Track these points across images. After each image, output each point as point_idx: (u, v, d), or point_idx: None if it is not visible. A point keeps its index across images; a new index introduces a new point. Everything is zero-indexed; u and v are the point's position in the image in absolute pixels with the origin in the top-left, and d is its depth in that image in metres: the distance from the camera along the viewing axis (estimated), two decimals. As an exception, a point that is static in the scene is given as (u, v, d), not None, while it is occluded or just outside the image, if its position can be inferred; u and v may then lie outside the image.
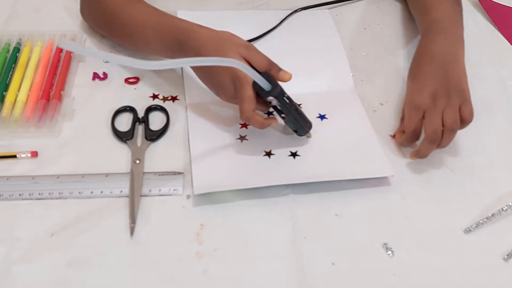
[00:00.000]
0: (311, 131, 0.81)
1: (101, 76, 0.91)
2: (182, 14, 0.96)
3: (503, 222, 0.75)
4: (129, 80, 0.90)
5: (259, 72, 0.73)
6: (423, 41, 0.87)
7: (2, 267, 0.70)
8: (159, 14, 0.86)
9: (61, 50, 0.93)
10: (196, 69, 0.83)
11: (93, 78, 0.91)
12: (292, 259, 0.71)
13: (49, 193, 0.76)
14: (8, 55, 0.92)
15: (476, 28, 1.02)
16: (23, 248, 0.71)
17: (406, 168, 0.80)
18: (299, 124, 0.79)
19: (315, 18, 1.02)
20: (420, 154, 0.79)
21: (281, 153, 0.80)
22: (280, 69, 0.77)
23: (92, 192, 0.76)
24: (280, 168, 0.79)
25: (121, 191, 0.76)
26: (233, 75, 0.76)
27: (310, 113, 0.81)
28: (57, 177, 0.78)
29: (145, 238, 0.72)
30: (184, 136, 0.83)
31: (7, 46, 0.93)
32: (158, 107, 0.86)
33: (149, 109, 0.86)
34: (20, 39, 0.94)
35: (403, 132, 0.81)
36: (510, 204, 0.75)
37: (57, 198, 0.76)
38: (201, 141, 0.82)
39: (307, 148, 0.81)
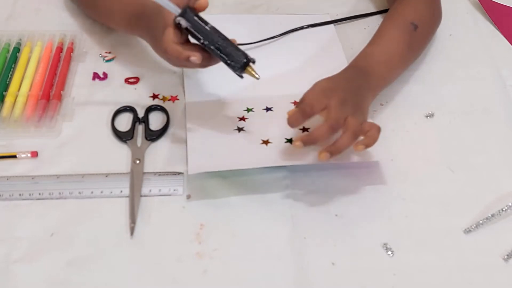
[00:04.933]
0: (254, 68, 0.74)
1: (101, 76, 0.91)
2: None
3: (503, 222, 0.75)
4: (129, 80, 0.90)
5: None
6: (345, 71, 0.82)
7: (2, 267, 0.70)
8: None
9: (61, 50, 0.93)
10: (147, 41, 0.82)
11: (93, 78, 0.91)
12: (292, 259, 0.71)
13: (49, 193, 0.76)
14: (8, 55, 0.92)
15: (476, 28, 1.02)
16: (23, 248, 0.71)
17: (406, 168, 0.80)
18: (225, 51, 0.72)
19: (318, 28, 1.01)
20: (310, 137, 0.73)
21: (278, 141, 0.80)
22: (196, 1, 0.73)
23: (92, 192, 0.76)
24: (276, 152, 0.79)
25: (121, 191, 0.76)
26: (162, 21, 0.74)
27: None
28: (57, 177, 0.78)
29: (145, 238, 0.72)
30: (184, 136, 0.83)
31: (7, 46, 0.93)
32: (158, 107, 0.86)
33: (149, 109, 0.86)
34: (20, 39, 0.94)
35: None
36: (510, 204, 0.75)
37: (57, 198, 0.76)
38: (199, 129, 0.82)
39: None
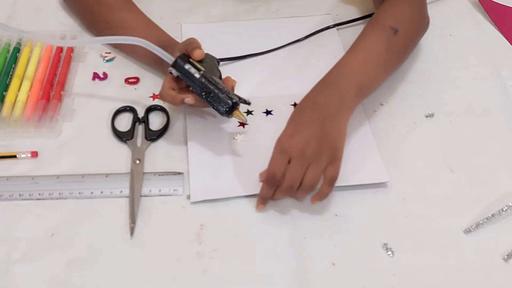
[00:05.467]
0: (251, 127, 0.78)
1: (101, 76, 0.91)
2: (187, 27, 0.97)
3: (503, 222, 0.75)
4: (129, 80, 0.90)
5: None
6: (318, 84, 0.80)
7: (2, 267, 0.70)
8: (148, 23, 0.90)
9: (61, 50, 0.93)
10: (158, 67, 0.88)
11: (93, 78, 0.91)
12: (292, 259, 0.71)
13: (49, 193, 0.76)
14: (8, 55, 0.92)
15: (476, 28, 1.01)
16: (23, 248, 0.71)
17: (406, 168, 0.80)
18: (211, 97, 0.76)
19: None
20: (273, 198, 0.75)
21: None
22: (194, 47, 0.78)
23: (92, 192, 0.76)
24: None
25: (121, 191, 0.76)
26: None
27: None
28: (57, 177, 0.78)
29: (145, 238, 0.72)
30: (184, 136, 0.83)
31: (7, 46, 0.93)
32: (158, 107, 0.86)
33: (149, 109, 0.86)
34: (20, 39, 0.94)
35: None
36: (510, 204, 0.75)
37: (57, 198, 0.76)
38: (199, 146, 0.81)
39: None
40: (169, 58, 0.78)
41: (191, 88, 0.78)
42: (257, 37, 0.97)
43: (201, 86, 0.76)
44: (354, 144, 0.82)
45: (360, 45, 0.84)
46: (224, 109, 0.76)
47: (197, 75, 0.76)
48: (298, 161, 0.73)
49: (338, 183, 0.74)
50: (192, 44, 0.79)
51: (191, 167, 0.79)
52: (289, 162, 0.73)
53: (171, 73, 0.78)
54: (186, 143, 0.82)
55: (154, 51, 0.78)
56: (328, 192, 0.74)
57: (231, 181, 0.78)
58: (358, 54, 0.83)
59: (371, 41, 0.85)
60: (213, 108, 0.77)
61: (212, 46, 0.82)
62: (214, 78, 0.77)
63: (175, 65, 0.77)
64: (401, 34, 0.86)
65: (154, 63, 0.88)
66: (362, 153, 0.81)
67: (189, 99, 0.77)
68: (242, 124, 0.84)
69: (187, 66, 0.77)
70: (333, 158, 0.73)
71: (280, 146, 0.74)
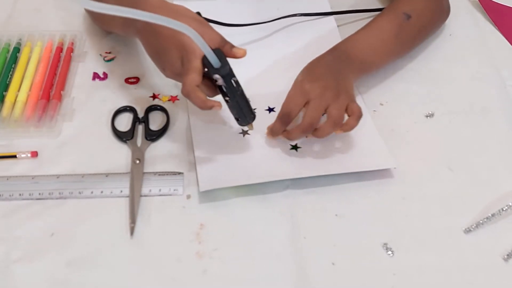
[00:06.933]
0: (254, 124, 0.78)
1: (101, 76, 0.91)
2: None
3: (503, 222, 0.75)
4: (129, 80, 0.90)
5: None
6: (326, 51, 0.84)
7: (2, 267, 0.70)
8: None
9: (61, 50, 0.93)
10: (145, 42, 0.79)
11: (93, 78, 0.91)
12: (292, 259, 0.71)
13: (49, 193, 0.76)
14: (8, 55, 0.92)
15: (476, 28, 1.01)
16: (23, 248, 0.71)
17: (406, 168, 0.80)
18: (241, 111, 0.76)
19: (318, 21, 1.01)
20: (288, 136, 0.78)
21: (283, 146, 0.80)
22: (233, 46, 0.74)
23: (92, 192, 0.76)
24: (283, 162, 0.79)
25: (121, 191, 0.76)
26: (182, 50, 0.73)
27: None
28: (57, 177, 0.78)
29: (145, 238, 0.72)
30: (184, 136, 0.83)
31: (7, 46, 0.93)
32: (158, 107, 0.86)
33: (149, 109, 0.86)
34: (20, 39, 0.94)
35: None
36: (510, 204, 0.75)
37: (57, 198, 0.76)
38: (204, 138, 0.82)
39: (308, 141, 0.81)
40: (215, 62, 0.70)
41: (227, 100, 0.74)
42: (252, 14, 0.97)
43: (239, 98, 0.74)
44: (358, 133, 0.81)
45: (371, 25, 0.89)
46: (246, 122, 0.77)
47: (239, 92, 0.73)
48: (318, 101, 0.76)
49: (345, 170, 0.77)
50: (227, 42, 0.74)
51: (197, 157, 0.79)
52: (304, 106, 0.77)
53: (215, 81, 0.71)
54: (186, 143, 0.82)
55: (200, 45, 0.68)
56: (355, 125, 0.77)
57: (238, 169, 0.78)
58: (367, 33, 0.88)
59: (382, 24, 0.89)
60: (236, 118, 0.77)
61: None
62: (242, 88, 0.74)
63: (225, 75, 0.71)
64: (414, 20, 0.89)
65: (120, 27, 0.84)
66: (366, 142, 0.81)
67: (219, 107, 0.73)
68: (244, 132, 0.83)
69: (235, 79, 0.72)
70: (351, 100, 0.78)
71: (300, 87, 0.78)
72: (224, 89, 0.73)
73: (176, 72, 0.75)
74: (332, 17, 1.00)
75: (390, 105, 0.89)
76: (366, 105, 0.87)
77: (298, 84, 0.79)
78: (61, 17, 1.00)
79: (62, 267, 0.70)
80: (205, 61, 0.71)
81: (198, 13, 0.80)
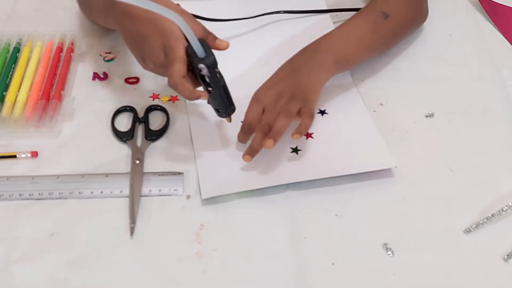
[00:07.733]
0: (232, 116, 0.79)
1: (101, 76, 0.91)
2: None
3: (503, 222, 0.75)
4: (129, 80, 0.90)
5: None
6: (300, 50, 0.85)
7: (2, 267, 0.70)
8: None
9: (61, 50, 0.93)
10: (124, 30, 0.77)
11: (93, 78, 0.91)
12: (292, 259, 0.71)
13: (49, 193, 0.76)
14: (8, 55, 0.92)
15: (476, 28, 1.01)
16: (23, 248, 0.71)
17: (406, 168, 0.80)
18: (223, 103, 0.76)
19: (314, 17, 1.01)
20: (253, 149, 0.78)
21: (283, 149, 0.80)
22: (216, 38, 0.74)
23: (92, 192, 0.76)
24: (283, 166, 0.79)
25: (121, 191, 0.76)
26: (163, 38, 0.72)
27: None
28: (57, 177, 0.78)
29: (145, 238, 0.72)
30: (184, 136, 0.83)
31: (7, 46, 0.93)
32: (158, 107, 0.86)
33: (149, 109, 0.86)
34: (20, 39, 0.94)
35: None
36: (510, 204, 0.75)
37: (57, 198, 0.76)
38: (204, 139, 0.82)
39: (308, 143, 0.81)
40: (200, 52, 0.70)
41: (209, 91, 0.74)
42: (244, 10, 0.98)
43: (222, 89, 0.75)
44: (358, 134, 0.82)
45: (347, 23, 0.90)
46: (226, 114, 0.78)
47: (221, 83, 0.74)
48: (270, 108, 0.78)
49: (345, 172, 0.77)
50: (210, 33, 0.75)
51: (198, 164, 0.79)
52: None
53: (200, 71, 0.71)
54: (186, 143, 0.82)
55: (186, 33, 0.68)
56: (307, 124, 0.77)
57: (239, 175, 0.78)
58: (341, 30, 0.88)
59: (357, 21, 0.89)
60: (213, 107, 0.77)
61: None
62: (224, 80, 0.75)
63: (210, 65, 0.71)
64: (392, 20, 0.89)
65: (102, 16, 0.84)
66: (367, 142, 0.81)
67: (204, 97, 0.73)
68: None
69: (218, 70, 0.72)
70: (305, 104, 0.78)
71: (256, 97, 0.80)
72: (208, 80, 0.73)
73: (157, 63, 0.74)
74: (328, 15, 1.00)
75: (390, 105, 0.89)
76: (366, 105, 0.87)
77: (257, 93, 0.80)
78: (61, 17, 1.00)
79: (62, 267, 0.70)
80: (189, 50, 0.71)
81: (178, 5, 0.78)
